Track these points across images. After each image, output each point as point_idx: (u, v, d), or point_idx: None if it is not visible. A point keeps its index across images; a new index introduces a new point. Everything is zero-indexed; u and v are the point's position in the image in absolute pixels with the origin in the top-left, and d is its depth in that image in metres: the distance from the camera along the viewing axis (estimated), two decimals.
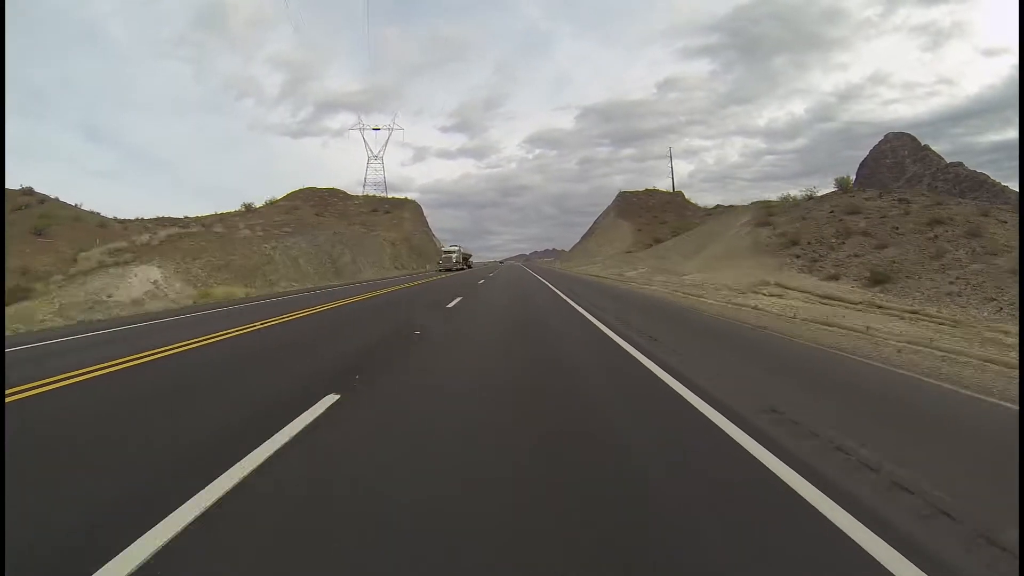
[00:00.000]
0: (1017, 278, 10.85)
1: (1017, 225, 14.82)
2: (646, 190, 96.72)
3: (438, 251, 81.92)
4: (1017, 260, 11.91)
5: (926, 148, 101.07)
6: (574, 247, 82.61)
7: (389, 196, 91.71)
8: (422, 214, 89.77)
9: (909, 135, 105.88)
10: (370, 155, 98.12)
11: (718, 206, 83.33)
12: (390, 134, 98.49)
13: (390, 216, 77.60)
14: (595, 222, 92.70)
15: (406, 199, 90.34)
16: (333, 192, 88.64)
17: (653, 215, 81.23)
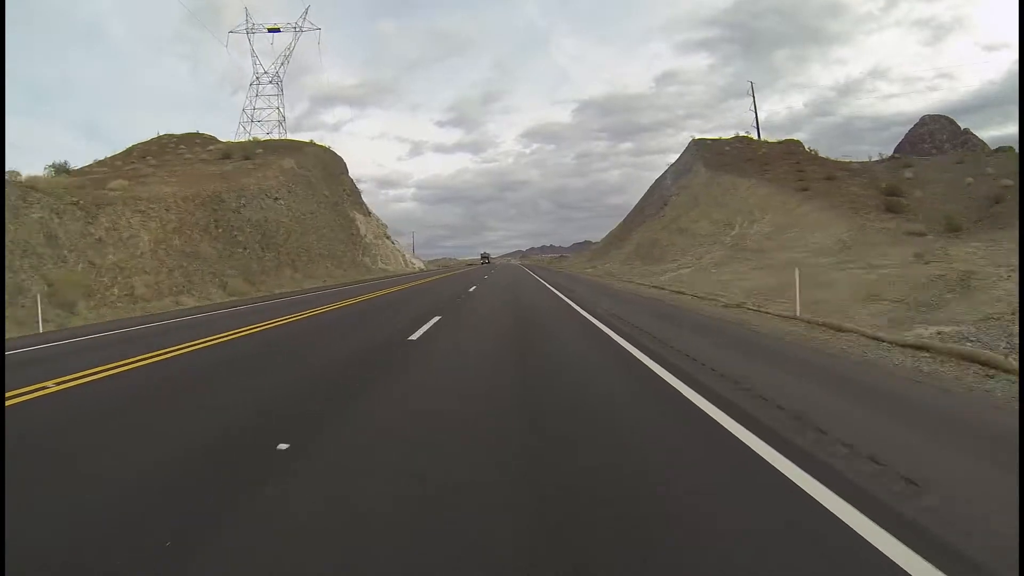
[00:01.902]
0: None
1: None
2: (736, 136, 56.54)
3: (359, 241, 40.56)
4: None
5: (967, 132, 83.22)
6: (644, 228, 40.18)
7: (288, 138, 50.37)
8: (340, 170, 48.20)
9: (947, 118, 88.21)
10: (259, 73, 56.65)
11: (901, 155, 44.11)
12: (295, 38, 56.85)
13: (249, 164, 36.34)
14: (662, 184, 51.57)
15: (310, 142, 48.75)
16: (191, 137, 47.52)
17: (794, 170, 40.63)
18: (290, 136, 53.51)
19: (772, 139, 55.95)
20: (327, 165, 45.53)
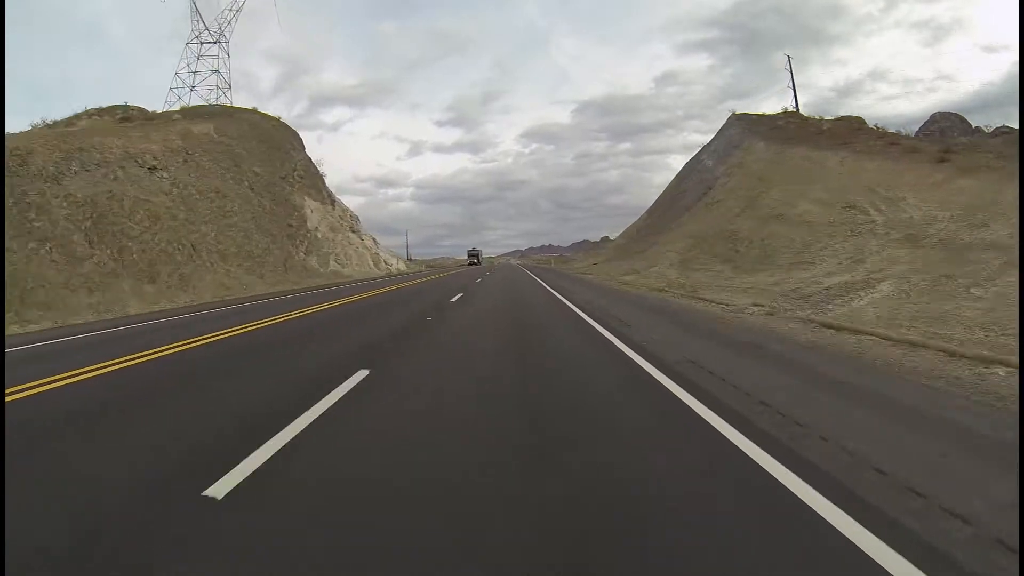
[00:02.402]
0: None
1: None
2: (785, 111, 46.45)
3: (303, 235, 30.29)
4: None
5: (977, 130, 75.14)
6: (693, 219, 28.97)
7: (223, 104, 39.79)
8: (289, 146, 37.37)
9: (957, 115, 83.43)
10: (198, 31, 46.11)
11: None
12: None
13: (129, 124, 25.92)
14: (698, 167, 41.70)
15: (253, 110, 38.26)
16: (113, 109, 36.86)
17: (884, 144, 30.59)
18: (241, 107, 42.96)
19: (829, 117, 45.96)
20: (269, 137, 34.93)
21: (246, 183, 27.04)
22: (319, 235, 32.50)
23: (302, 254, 28.47)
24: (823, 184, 22.59)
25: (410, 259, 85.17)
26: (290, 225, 28.77)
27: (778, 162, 29.29)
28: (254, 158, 30.50)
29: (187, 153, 24.10)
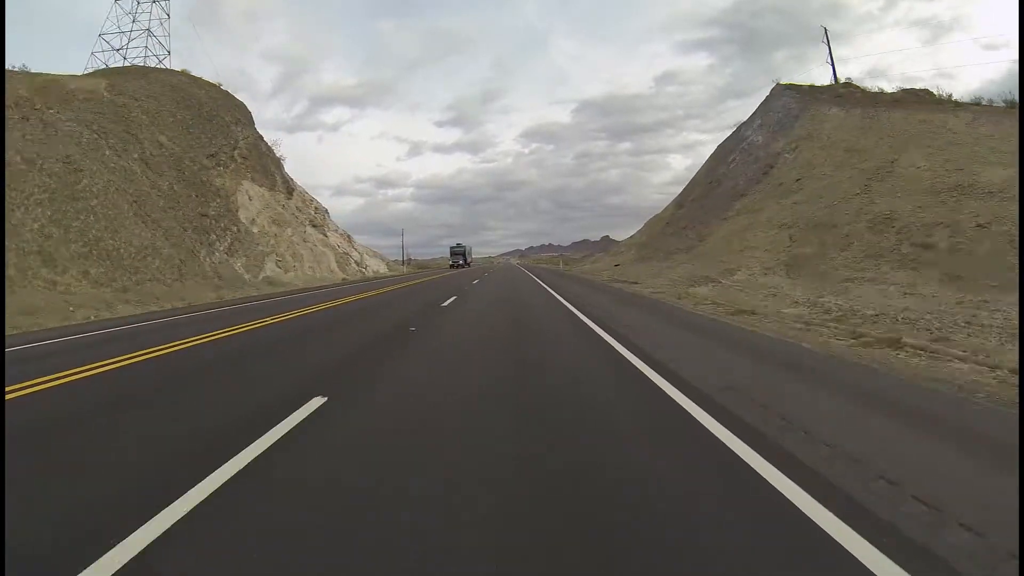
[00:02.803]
0: None
1: None
2: (836, 83, 38.85)
3: (224, 229, 22.23)
4: None
5: None
6: (769, 202, 20.65)
7: (142, 65, 32.13)
8: (231, 119, 29.58)
9: None
10: None
11: None
12: None
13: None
14: (742, 145, 33.89)
15: (183, 72, 30.55)
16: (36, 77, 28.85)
17: (1002, 112, 22.88)
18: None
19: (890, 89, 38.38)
20: (198, 105, 27.11)
21: (136, 155, 19.31)
22: (254, 229, 24.76)
23: (219, 254, 20.76)
24: (971, 148, 15.02)
25: (408, 260, 78.64)
26: (204, 215, 21.02)
27: (871, 128, 21.74)
28: (163, 126, 22.79)
29: (33, 107, 16.43)
